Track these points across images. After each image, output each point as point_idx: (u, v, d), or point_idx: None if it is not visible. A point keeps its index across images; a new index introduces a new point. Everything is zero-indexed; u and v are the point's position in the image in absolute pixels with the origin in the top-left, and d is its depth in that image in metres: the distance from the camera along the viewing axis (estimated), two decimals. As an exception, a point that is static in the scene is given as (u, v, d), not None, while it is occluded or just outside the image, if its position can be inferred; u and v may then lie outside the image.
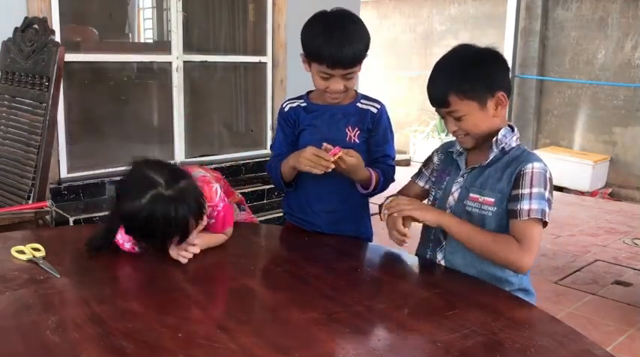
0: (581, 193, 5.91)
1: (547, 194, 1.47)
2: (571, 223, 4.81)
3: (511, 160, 1.53)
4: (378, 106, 1.87)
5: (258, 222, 2.05)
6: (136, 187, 1.39)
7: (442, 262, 1.60)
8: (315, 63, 1.74)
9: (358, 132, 1.84)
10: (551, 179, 1.49)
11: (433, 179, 1.71)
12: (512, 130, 1.56)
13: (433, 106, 1.56)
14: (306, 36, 1.76)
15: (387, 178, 1.82)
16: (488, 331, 1.18)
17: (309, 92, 1.94)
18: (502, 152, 1.54)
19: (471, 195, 1.55)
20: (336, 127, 1.84)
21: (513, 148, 1.54)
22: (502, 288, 1.49)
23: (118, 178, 1.57)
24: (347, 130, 1.84)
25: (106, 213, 1.70)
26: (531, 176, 1.47)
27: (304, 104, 1.90)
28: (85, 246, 1.51)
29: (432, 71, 1.56)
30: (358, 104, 1.87)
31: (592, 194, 5.92)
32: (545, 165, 1.50)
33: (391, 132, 1.90)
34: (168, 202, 1.36)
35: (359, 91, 1.94)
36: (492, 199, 1.52)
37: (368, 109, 1.86)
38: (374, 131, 1.86)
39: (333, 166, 1.64)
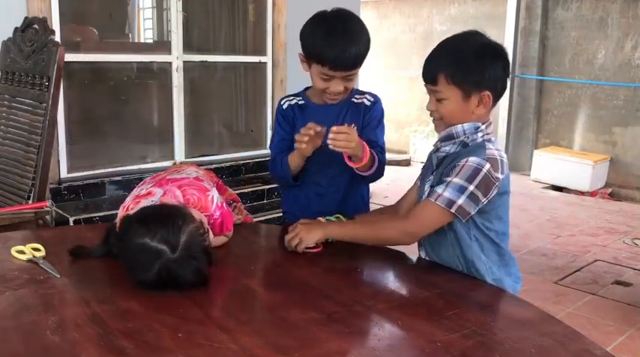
0: (581, 193, 5.91)
1: (471, 188, 1.43)
2: (571, 223, 4.82)
3: (463, 152, 1.50)
4: (372, 99, 1.88)
5: (252, 220, 2.04)
6: (142, 259, 1.29)
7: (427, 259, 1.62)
8: (316, 64, 1.74)
9: (355, 127, 1.83)
10: (488, 176, 1.44)
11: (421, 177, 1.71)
12: (477, 129, 1.51)
13: (423, 80, 1.57)
14: (307, 37, 1.75)
15: (381, 162, 1.78)
16: (488, 331, 1.18)
17: (306, 89, 1.93)
18: (463, 146, 1.52)
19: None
20: (333, 124, 1.84)
21: (477, 142, 1.50)
22: (486, 277, 1.49)
23: (117, 227, 1.44)
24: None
25: (106, 222, 1.64)
26: (461, 168, 1.45)
27: (302, 102, 1.90)
28: (75, 250, 1.49)
29: (435, 47, 1.59)
30: (353, 99, 1.88)
31: (592, 194, 5.91)
32: (486, 161, 1.44)
33: (381, 122, 1.88)
34: (179, 267, 1.28)
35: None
36: None
37: (362, 102, 1.87)
38: (365, 121, 1.86)
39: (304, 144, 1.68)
